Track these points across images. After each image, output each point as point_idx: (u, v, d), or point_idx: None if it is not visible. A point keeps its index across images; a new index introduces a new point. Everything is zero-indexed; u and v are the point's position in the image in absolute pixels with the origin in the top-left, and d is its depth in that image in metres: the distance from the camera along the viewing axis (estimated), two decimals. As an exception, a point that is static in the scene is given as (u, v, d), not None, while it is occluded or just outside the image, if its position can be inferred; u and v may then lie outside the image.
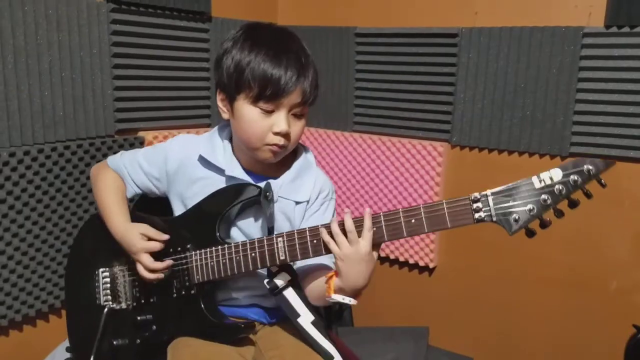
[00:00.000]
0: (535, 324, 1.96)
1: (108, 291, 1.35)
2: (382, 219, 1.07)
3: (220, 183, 1.26)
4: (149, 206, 1.40)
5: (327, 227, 1.10)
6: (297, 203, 1.28)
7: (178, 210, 1.32)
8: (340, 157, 2.24)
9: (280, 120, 1.17)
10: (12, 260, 1.54)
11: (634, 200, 1.74)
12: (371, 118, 2.17)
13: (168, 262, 1.24)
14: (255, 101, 1.16)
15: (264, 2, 2.30)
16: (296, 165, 1.29)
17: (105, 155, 1.71)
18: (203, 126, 2.03)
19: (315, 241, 1.12)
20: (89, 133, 1.68)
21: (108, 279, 1.35)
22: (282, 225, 1.27)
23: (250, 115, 1.18)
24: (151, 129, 1.87)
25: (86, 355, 1.33)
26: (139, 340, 1.30)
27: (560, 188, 0.97)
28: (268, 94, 1.15)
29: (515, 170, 1.91)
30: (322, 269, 1.22)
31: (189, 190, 1.28)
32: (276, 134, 1.17)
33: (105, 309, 1.33)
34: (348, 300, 1.12)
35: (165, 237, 1.25)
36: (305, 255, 1.14)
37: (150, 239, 1.25)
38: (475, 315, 2.08)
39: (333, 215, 1.33)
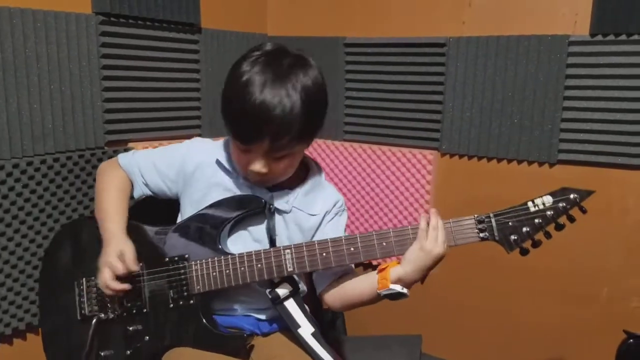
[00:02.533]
0: (528, 331, 1.97)
1: (94, 301, 1.31)
2: (391, 235, 1.15)
3: (234, 190, 1.27)
4: (152, 210, 1.39)
5: (428, 218, 1.16)
6: (312, 216, 1.29)
7: (186, 213, 1.31)
8: (331, 165, 2.25)
9: (254, 160, 1.18)
10: (2, 273, 1.53)
11: (621, 207, 1.76)
12: (361, 127, 2.18)
13: (124, 286, 1.22)
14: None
15: (254, 13, 2.31)
16: (310, 179, 1.30)
17: (95, 167, 1.70)
18: (193, 136, 2.02)
19: (324, 254, 1.16)
20: (79, 145, 1.68)
21: (94, 288, 1.31)
22: (293, 235, 1.28)
23: (232, 145, 1.21)
24: (141, 140, 1.87)
25: None
26: (129, 352, 1.28)
27: (551, 213, 1.12)
28: (237, 138, 1.17)
29: (504, 177, 1.93)
30: (350, 272, 1.28)
31: (204, 195, 1.28)
32: (251, 170, 1.19)
33: (94, 320, 1.29)
34: (406, 290, 1.17)
35: (135, 269, 1.21)
36: (314, 268, 1.17)
37: (123, 261, 1.21)
38: (468, 323, 2.09)
39: (344, 228, 1.35)
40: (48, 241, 1.61)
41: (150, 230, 1.31)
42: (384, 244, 1.15)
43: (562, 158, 1.82)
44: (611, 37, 1.69)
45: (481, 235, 1.14)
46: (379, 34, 2.09)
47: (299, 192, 1.28)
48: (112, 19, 1.72)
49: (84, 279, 1.33)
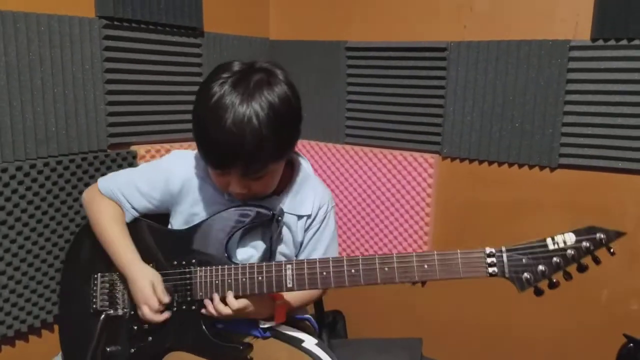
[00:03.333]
0: (528, 334, 1.97)
1: (105, 297, 1.33)
2: (394, 260, 1.09)
3: (222, 201, 1.26)
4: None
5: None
6: (300, 217, 1.30)
7: (177, 226, 1.32)
8: (332, 168, 2.25)
9: (232, 183, 1.18)
10: (4, 275, 1.54)
11: (621, 211, 1.76)
12: (363, 130, 2.19)
13: (165, 315, 1.24)
14: None
15: (256, 17, 2.32)
16: (296, 179, 1.31)
17: (97, 170, 1.72)
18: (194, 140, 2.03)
19: (324, 273, 1.13)
20: (82, 148, 1.69)
21: (107, 284, 1.34)
22: (286, 238, 1.29)
23: (209, 168, 1.22)
24: (144, 142, 1.88)
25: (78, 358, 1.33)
26: (133, 350, 1.30)
27: (573, 253, 1.02)
28: (210, 164, 1.18)
29: (505, 181, 1.93)
30: None
31: (193, 209, 1.29)
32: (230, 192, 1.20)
33: (102, 315, 1.31)
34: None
35: (167, 300, 1.23)
36: (312, 286, 1.15)
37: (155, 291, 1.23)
38: (468, 326, 2.09)
39: (334, 224, 1.37)
40: (50, 243, 1.63)
41: (161, 230, 1.32)
42: (386, 269, 1.09)
43: (563, 162, 1.82)
44: (612, 42, 1.69)
45: (490, 270, 1.05)
46: (380, 38, 2.10)
47: (287, 196, 1.28)
48: (115, 22, 1.73)
49: (98, 274, 1.35)
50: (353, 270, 1.11)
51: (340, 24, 2.20)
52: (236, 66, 1.17)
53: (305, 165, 1.35)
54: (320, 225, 1.33)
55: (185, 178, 1.29)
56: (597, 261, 1.02)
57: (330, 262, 1.13)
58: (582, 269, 1.03)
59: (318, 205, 1.32)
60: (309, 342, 1.25)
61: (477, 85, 1.93)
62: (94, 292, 1.35)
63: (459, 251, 1.06)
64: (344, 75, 2.19)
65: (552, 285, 1.05)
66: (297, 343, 1.25)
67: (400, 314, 2.24)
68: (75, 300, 1.38)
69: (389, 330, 2.25)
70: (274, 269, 1.16)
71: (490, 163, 1.97)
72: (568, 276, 1.04)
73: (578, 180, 1.81)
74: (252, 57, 1.93)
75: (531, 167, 1.89)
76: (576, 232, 1.03)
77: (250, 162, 1.12)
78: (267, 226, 1.23)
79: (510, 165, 1.93)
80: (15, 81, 1.50)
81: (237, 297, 1.20)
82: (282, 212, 1.23)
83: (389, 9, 2.09)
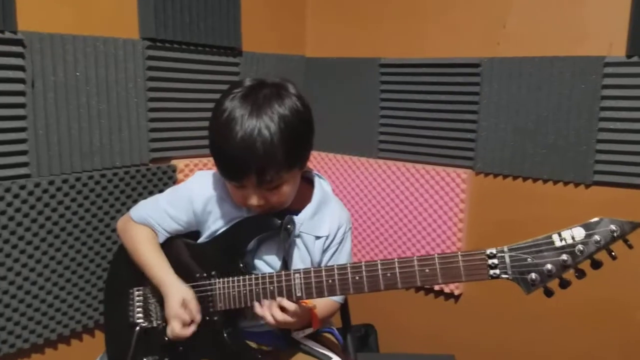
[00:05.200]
0: (559, 355, 1.93)
1: (140, 309, 1.38)
2: (396, 265, 1.08)
3: (241, 217, 1.30)
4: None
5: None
6: (317, 238, 1.32)
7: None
8: (365, 182, 2.28)
9: (249, 195, 1.21)
10: (49, 282, 1.63)
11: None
12: (396, 145, 2.21)
13: (192, 329, 1.26)
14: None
15: (292, 36, 2.39)
16: (315, 199, 1.32)
17: (139, 183, 1.81)
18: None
19: (330, 281, 1.14)
20: (124, 162, 1.78)
21: (141, 298, 1.39)
22: (304, 257, 1.32)
23: (226, 182, 1.25)
24: (183, 157, 1.96)
25: None
26: (166, 359, 1.35)
27: (582, 249, 0.95)
28: (226, 176, 1.22)
29: (539, 197, 1.91)
30: None
31: (214, 226, 1.33)
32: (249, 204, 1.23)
33: (137, 327, 1.36)
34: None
35: (198, 317, 1.27)
36: (320, 294, 1.16)
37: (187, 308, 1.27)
38: (500, 345, 2.06)
39: (350, 245, 1.39)
40: (93, 252, 1.72)
41: (186, 243, 1.38)
42: (389, 274, 1.08)
43: (597, 179, 1.79)
44: (648, 59, 1.67)
45: (491, 272, 1.00)
46: (414, 55, 2.13)
47: (305, 215, 1.30)
48: (157, 43, 1.82)
49: (134, 288, 1.41)
50: (357, 277, 1.11)
51: (375, 41, 2.24)
52: (247, 82, 1.22)
53: (325, 186, 1.37)
54: (338, 247, 1.35)
55: (206, 197, 1.33)
56: (613, 257, 0.94)
57: (335, 269, 1.14)
58: (596, 265, 0.95)
59: (337, 226, 1.34)
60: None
61: (511, 101, 1.92)
62: (131, 306, 1.40)
63: (459, 253, 1.03)
64: (378, 90, 2.22)
65: (564, 285, 0.97)
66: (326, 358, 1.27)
67: (433, 330, 2.23)
68: (116, 313, 1.44)
69: (421, 346, 2.25)
70: (284, 278, 1.19)
71: (525, 179, 1.95)
72: (580, 274, 0.96)
73: (613, 197, 1.77)
74: (289, 74, 2.00)
75: (565, 183, 1.87)
76: (585, 226, 0.95)
77: (262, 172, 1.15)
78: (278, 236, 1.26)
79: (545, 181, 1.91)
80: (63, 99, 1.60)
81: (252, 306, 1.24)
82: (290, 221, 1.24)
83: (422, 26, 2.12)
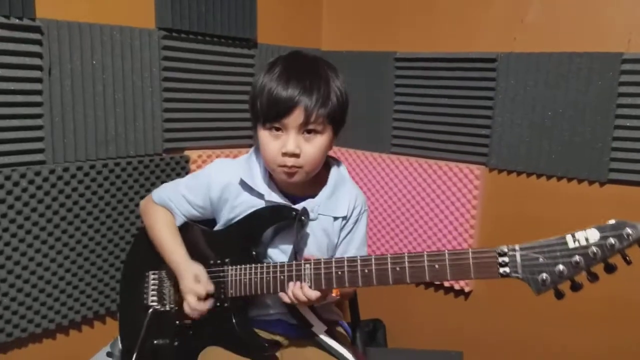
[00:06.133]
0: (573, 356, 1.92)
1: (155, 292, 1.41)
2: (405, 260, 1.08)
3: (258, 206, 1.31)
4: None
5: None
6: (335, 219, 1.33)
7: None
8: (377, 178, 2.28)
9: (287, 140, 1.21)
10: (62, 267, 1.65)
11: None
12: (409, 140, 2.20)
13: (208, 303, 1.28)
14: (264, 123, 1.23)
15: (308, 28, 2.39)
16: (331, 181, 1.33)
17: (152, 173, 1.82)
18: (245, 146, 2.11)
19: (339, 273, 1.14)
20: (138, 151, 1.79)
21: (156, 282, 1.42)
22: (321, 240, 1.32)
23: (263, 138, 1.24)
24: (197, 148, 1.97)
25: (131, 349, 1.40)
26: (176, 343, 1.37)
27: (595, 251, 0.92)
28: (272, 115, 1.21)
29: (553, 194, 1.90)
30: None
31: (230, 215, 1.34)
32: (284, 154, 1.21)
33: (150, 310, 1.39)
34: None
35: (211, 287, 1.28)
36: (329, 285, 1.17)
37: (199, 282, 1.29)
38: (509, 343, 2.05)
39: (365, 227, 1.40)
40: (106, 239, 1.74)
41: (202, 230, 1.39)
42: (398, 269, 1.08)
43: (613, 177, 1.77)
44: (667, 55, 1.65)
45: (501, 270, 0.98)
46: (429, 49, 2.11)
47: (322, 197, 1.31)
48: (173, 34, 1.83)
49: (150, 272, 1.43)
50: (366, 270, 1.11)
51: (390, 34, 2.23)
52: (281, 55, 1.29)
53: (341, 169, 1.38)
54: (353, 227, 1.36)
55: (224, 185, 1.34)
56: (628, 261, 0.91)
57: (345, 261, 1.14)
58: (610, 269, 0.92)
59: (353, 206, 1.35)
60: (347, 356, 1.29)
61: (526, 97, 1.91)
62: (146, 289, 1.43)
63: (470, 250, 1.02)
64: (392, 85, 2.21)
65: (575, 288, 0.94)
66: (337, 355, 1.28)
67: (441, 326, 2.23)
68: (132, 295, 1.47)
69: (430, 341, 2.24)
70: (294, 267, 1.20)
71: (539, 176, 1.93)
72: (593, 277, 0.93)
73: (627, 195, 1.75)
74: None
75: (580, 181, 1.85)
76: (600, 228, 0.92)
77: (312, 108, 1.18)
78: (292, 228, 1.26)
79: (559, 178, 1.89)
80: (79, 87, 1.62)
81: (261, 294, 1.26)
82: (305, 212, 1.25)
83: (438, 20, 2.10)
